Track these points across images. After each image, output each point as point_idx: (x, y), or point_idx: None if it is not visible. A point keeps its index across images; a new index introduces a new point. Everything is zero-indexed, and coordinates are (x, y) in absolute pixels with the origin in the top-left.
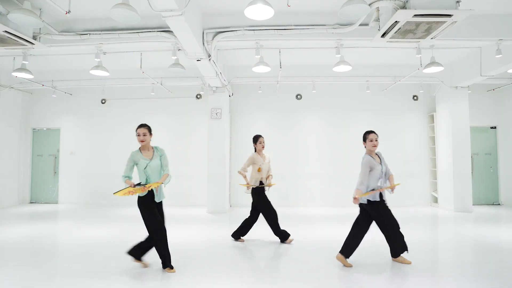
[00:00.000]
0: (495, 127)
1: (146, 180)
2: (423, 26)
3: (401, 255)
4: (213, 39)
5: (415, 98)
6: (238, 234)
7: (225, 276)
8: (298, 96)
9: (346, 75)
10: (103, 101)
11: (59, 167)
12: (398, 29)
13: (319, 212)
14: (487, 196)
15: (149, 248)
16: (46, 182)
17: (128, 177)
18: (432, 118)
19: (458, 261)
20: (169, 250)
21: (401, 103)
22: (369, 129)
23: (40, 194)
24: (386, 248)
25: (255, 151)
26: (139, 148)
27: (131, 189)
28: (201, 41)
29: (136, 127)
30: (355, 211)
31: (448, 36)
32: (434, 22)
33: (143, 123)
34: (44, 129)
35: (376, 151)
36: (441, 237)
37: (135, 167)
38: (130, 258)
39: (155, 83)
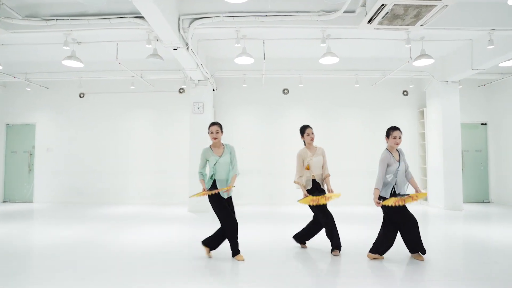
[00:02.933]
0: (485, 124)
1: (213, 175)
2: (412, 11)
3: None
4: (189, 26)
5: (405, 93)
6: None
7: (203, 281)
8: (285, 91)
9: (334, 69)
10: (82, 95)
11: (35, 164)
12: (386, 14)
13: (305, 211)
14: (477, 193)
15: (223, 239)
16: (20, 180)
17: (201, 173)
18: (422, 114)
19: (448, 263)
20: (237, 239)
21: (391, 98)
22: (394, 125)
23: (14, 193)
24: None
25: (305, 145)
26: (210, 145)
27: (204, 192)
28: (177, 28)
29: (208, 125)
30: (344, 210)
31: (438, 25)
32: (424, 5)
33: (215, 121)
34: (19, 124)
35: (398, 148)
36: (430, 236)
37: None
38: (203, 248)
39: (134, 76)
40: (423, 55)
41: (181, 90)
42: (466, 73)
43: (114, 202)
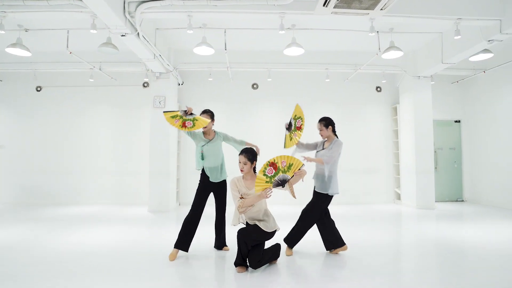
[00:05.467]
0: (459, 121)
1: (202, 160)
2: None
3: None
4: (136, 10)
5: (378, 89)
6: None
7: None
8: (255, 86)
9: (304, 62)
10: (39, 89)
11: None
12: None
13: (278, 211)
14: (451, 192)
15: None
16: None
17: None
18: (395, 110)
19: (414, 266)
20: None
21: (364, 94)
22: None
23: None
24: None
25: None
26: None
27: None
28: (122, 12)
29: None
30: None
31: (402, 12)
32: None
33: (207, 109)
34: None
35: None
36: (400, 235)
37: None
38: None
39: (93, 68)
40: (392, 47)
41: (145, 84)
42: (437, 67)
43: (71, 202)
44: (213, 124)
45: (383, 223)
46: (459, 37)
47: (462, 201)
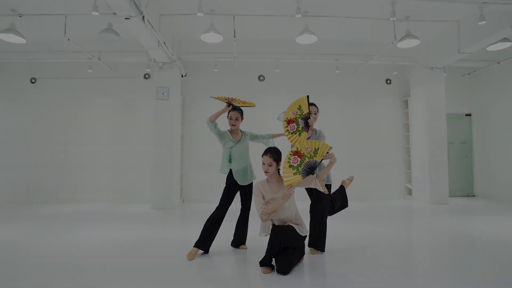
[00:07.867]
0: (470, 114)
1: (230, 161)
2: None
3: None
4: None
5: (388, 82)
6: None
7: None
8: (261, 78)
9: (313, 52)
10: (33, 81)
11: None
12: None
13: None
14: (462, 187)
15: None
16: None
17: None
18: (406, 103)
19: (435, 262)
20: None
21: (373, 87)
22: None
23: None
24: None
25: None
26: (228, 130)
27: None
28: None
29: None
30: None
31: None
32: None
33: (236, 106)
34: None
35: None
36: (417, 231)
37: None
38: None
39: (91, 58)
40: (408, 35)
41: (147, 76)
42: (452, 57)
43: (69, 200)
44: (240, 122)
45: (404, 219)
46: (483, 22)
47: (473, 196)
